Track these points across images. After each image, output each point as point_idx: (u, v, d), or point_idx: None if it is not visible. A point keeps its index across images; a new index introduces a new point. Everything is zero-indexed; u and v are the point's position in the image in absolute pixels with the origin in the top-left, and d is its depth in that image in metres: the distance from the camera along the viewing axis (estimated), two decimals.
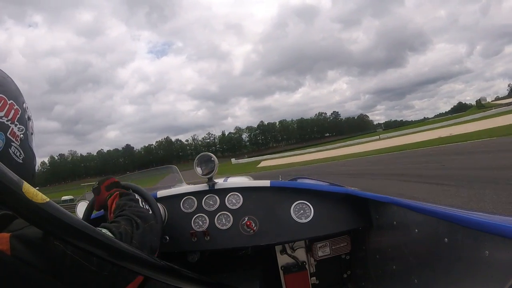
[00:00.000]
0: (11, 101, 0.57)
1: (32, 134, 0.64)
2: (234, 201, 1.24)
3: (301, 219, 1.15)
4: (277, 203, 1.20)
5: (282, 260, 1.39)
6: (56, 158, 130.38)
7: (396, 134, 44.43)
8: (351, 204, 1.16)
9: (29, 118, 0.63)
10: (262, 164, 41.50)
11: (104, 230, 0.57)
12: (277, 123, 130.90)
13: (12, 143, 0.56)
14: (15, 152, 0.56)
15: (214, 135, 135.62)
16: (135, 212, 0.74)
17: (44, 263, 0.45)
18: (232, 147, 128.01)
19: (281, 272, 1.38)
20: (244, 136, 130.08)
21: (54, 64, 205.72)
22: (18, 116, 0.58)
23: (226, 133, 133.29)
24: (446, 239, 0.65)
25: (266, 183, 1.25)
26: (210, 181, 1.26)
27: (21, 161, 0.58)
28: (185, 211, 1.26)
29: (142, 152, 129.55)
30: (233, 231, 1.19)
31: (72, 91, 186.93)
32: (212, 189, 1.27)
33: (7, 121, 0.55)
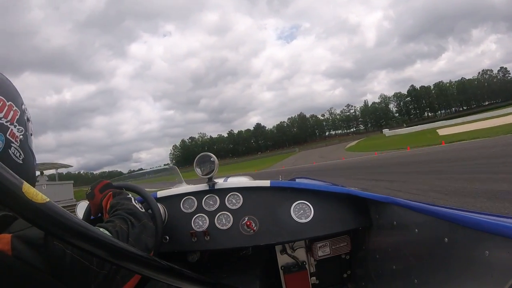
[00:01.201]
0: (10, 102, 0.57)
1: (31, 135, 0.65)
2: (234, 201, 1.24)
3: (301, 219, 1.16)
4: (277, 203, 1.20)
5: (282, 260, 1.39)
6: (187, 141, 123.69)
7: None
8: (351, 204, 1.16)
9: (28, 120, 0.64)
10: (443, 132, 33.09)
11: (102, 229, 0.58)
12: (432, 87, 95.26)
13: (12, 144, 0.56)
14: (14, 153, 0.56)
15: (355, 106, 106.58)
16: (127, 210, 0.76)
17: (44, 263, 0.45)
18: (377, 119, 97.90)
19: (281, 272, 1.38)
20: (392, 105, 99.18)
21: (194, 64, 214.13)
22: (17, 117, 0.59)
23: (369, 103, 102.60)
24: (446, 239, 0.65)
25: (266, 183, 1.25)
26: (210, 181, 1.26)
27: (21, 162, 0.58)
28: (185, 211, 1.26)
29: (274, 131, 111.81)
30: (233, 231, 1.19)
31: (213, 85, 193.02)
32: (212, 189, 1.27)
33: (6, 122, 0.55)
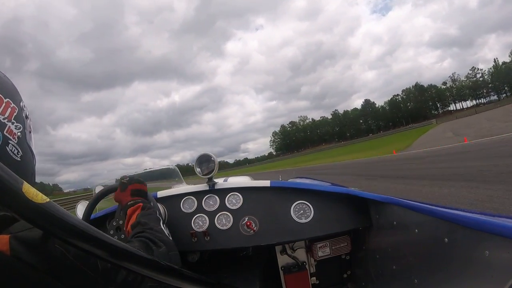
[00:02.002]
0: (7, 99, 0.57)
1: (30, 132, 0.64)
2: (234, 201, 1.24)
3: (301, 219, 1.16)
4: (277, 203, 1.20)
5: (282, 260, 1.39)
6: (287, 126, 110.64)
7: None
8: (351, 204, 1.16)
9: (26, 117, 0.63)
10: None
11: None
12: None
13: (10, 141, 0.55)
14: (12, 150, 0.56)
15: (481, 70, 79.26)
16: (155, 235, 0.71)
17: (43, 264, 0.45)
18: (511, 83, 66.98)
19: (281, 272, 1.38)
20: None
21: (290, 52, 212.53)
22: (15, 114, 0.58)
23: (500, 63, 72.33)
24: (446, 239, 0.65)
25: (266, 183, 1.25)
26: (210, 181, 1.26)
27: (19, 159, 0.57)
28: (185, 211, 1.26)
29: (386, 107, 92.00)
30: (233, 231, 1.19)
31: (312, 71, 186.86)
32: (212, 189, 1.27)
33: (3, 119, 0.55)
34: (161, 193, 1.31)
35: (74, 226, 0.40)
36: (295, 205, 1.18)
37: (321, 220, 1.15)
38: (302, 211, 1.17)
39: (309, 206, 1.17)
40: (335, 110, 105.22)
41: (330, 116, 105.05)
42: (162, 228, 0.78)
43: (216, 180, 1.30)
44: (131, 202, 0.90)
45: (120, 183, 0.99)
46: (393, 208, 0.94)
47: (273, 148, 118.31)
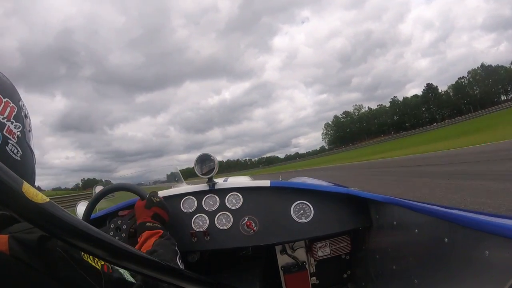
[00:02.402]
0: (6, 99, 0.57)
1: (29, 131, 0.64)
2: (234, 201, 1.24)
3: (301, 219, 1.16)
4: (277, 203, 1.20)
5: (282, 260, 1.39)
6: (341, 117, 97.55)
7: None
8: (351, 204, 1.16)
9: (26, 116, 0.63)
10: None
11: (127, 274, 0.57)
12: None
13: (9, 141, 0.55)
14: (12, 150, 0.56)
15: None
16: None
17: (41, 264, 0.45)
18: None
19: (281, 272, 1.38)
20: None
21: (338, 43, 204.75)
22: (14, 113, 0.58)
23: None
24: (446, 239, 0.65)
25: (266, 183, 1.25)
26: (210, 181, 1.26)
27: (19, 158, 0.57)
28: (185, 211, 1.26)
29: (450, 92, 77.42)
30: (233, 231, 1.19)
31: (362, 61, 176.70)
32: (212, 189, 1.27)
33: (2, 119, 0.55)
34: (161, 193, 1.31)
35: (74, 226, 0.40)
36: (295, 205, 1.18)
37: (321, 220, 1.15)
38: (302, 211, 1.17)
39: (309, 206, 1.17)
40: (394, 97, 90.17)
41: (388, 105, 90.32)
42: (178, 263, 0.76)
43: (216, 180, 1.30)
44: (150, 224, 0.90)
45: (149, 198, 0.99)
46: (393, 208, 0.94)
47: (325, 142, 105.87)
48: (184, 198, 1.28)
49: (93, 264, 0.55)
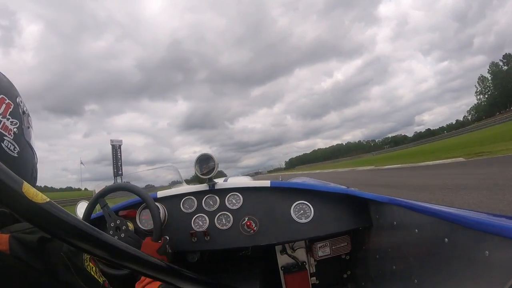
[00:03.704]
0: (1, 95, 0.57)
1: (29, 128, 0.64)
2: (234, 201, 1.24)
3: (301, 219, 1.16)
4: (277, 203, 1.20)
5: (282, 260, 1.39)
6: (501, 63, 55.41)
7: None
8: (351, 204, 1.16)
9: (24, 113, 0.63)
10: None
11: None
12: None
13: (5, 137, 0.55)
14: (8, 146, 0.56)
15: None
16: None
17: (40, 265, 0.45)
18: None
19: (281, 272, 1.38)
20: None
21: (450, 0, 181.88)
22: (10, 110, 0.57)
23: None
24: (446, 239, 0.65)
25: (266, 183, 1.25)
26: (210, 181, 1.26)
27: (15, 155, 0.57)
28: (185, 211, 1.26)
29: None
30: (233, 231, 1.19)
31: (481, 17, 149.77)
32: (212, 189, 1.27)
33: None
34: (161, 193, 1.31)
35: (74, 226, 0.40)
36: (295, 205, 1.18)
37: (321, 220, 1.15)
38: (302, 211, 1.17)
39: (309, 206, 1.17)
40: None
41: None
42: None
43: (216, 180, 1.30)
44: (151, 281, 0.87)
45: (164, 245, 1.01)
46: (393, 208, 0.94)
47: (481, 100, 63.06)
48: (184, 198, 1.28)
49: (95, 276, 0.55)
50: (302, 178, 2.44)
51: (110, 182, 1.33)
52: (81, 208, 1.34)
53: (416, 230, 0.79)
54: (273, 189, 1.24)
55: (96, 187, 1.40)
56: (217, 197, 1.26)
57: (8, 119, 0.56)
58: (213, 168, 1.21)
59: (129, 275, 1.04)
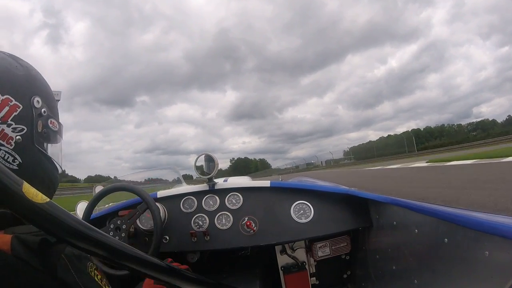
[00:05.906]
0: (5, 96, 0.48)
1: (45, 133, 0.54)
2: (234, 201, 1.24)
3: (301, 219, 1.16)
4: (277, 203, 1.20)
5: (282, 260, 1.39)
6: None
7: None
8: (351, 204, 1.16)
9: (41, 115, 0.53)
10: None
11: None
12: None
13: (1, 147, 0.48)
14: (5, 157, 0.48)
15: None
16: None
17: (42, 265, 0.45)
18: None
19: (281, 272, 1.38)
20: None
21: None
22: (15, 114, 0.49)
23: None
24: (446, 239, 0.64)
25: (266, 183, 1.25)
26: (210, 181, 1.26)
27: (15, 167, 0.50)
28: (185, 211, 1.26)
29: None
30: (233, 231, 1.19)
31: None
32: (212, 189, 1.27)
33: None
34: (161, 193, 1.31)
35: (73, 226, 0.40)
36: (295, 205, 1.18)
37: (321, 220, 1.15)
38: (302, 211, 1.17)
39: (309, 206, 1.17)
40: None
41: None
42: None
43: (216, 180, 1.30)
44: None
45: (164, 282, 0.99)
46: (393, 208, 0.94)
47: None
48: (184, 198, 1.28)
49: (97, 280, 0.53)
50: (302, 178, 2.44)
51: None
52: (81, 208, 1.34)
53: (416, 230, 0.79)
54: (273, 189, 1.24)
55: (96, 187, 1.39)
56: (217, 197, 1.26)
57: (9, 125, 0.48)
58: (213, 169, 1.22)
59: (129, 275, 1.03)
